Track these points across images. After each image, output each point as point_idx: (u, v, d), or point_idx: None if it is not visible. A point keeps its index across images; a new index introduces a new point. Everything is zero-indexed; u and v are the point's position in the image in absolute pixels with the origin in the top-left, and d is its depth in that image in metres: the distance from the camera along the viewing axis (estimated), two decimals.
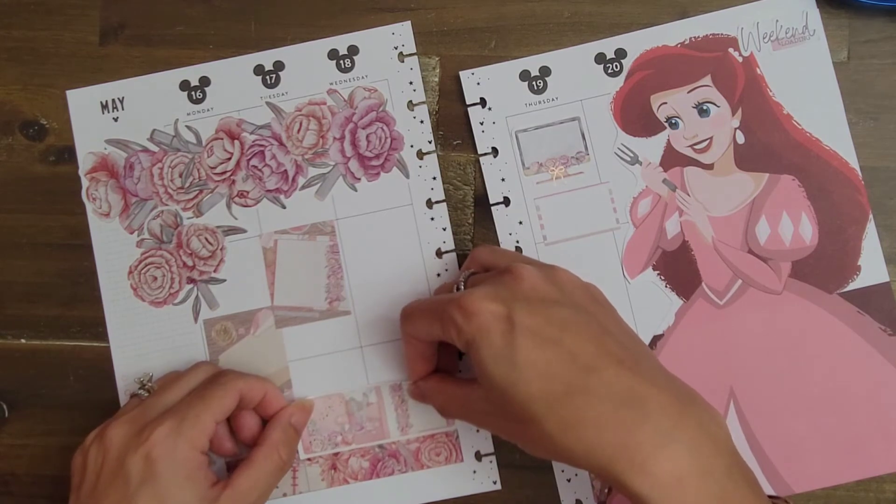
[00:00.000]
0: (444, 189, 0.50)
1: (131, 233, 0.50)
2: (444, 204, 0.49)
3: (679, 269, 0.49)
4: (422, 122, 0.50)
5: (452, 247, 0.49)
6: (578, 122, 0.49)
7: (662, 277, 0.49)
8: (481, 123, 0.50)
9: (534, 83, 0.50)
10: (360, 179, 0.50)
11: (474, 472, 0.49)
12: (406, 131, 0.50)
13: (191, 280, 0.50)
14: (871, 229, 0.48)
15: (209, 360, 0.49)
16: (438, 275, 0.49)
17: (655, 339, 0.48)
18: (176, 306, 0.50)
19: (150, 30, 0.51)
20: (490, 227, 0.49)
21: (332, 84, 0.50)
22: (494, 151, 0.49)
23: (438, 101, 0.50)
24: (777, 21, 0.49)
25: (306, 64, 0.50)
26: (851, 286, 0.48)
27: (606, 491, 0.48)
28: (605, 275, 0.49)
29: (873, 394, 0.47)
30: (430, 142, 0.50)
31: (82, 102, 0.51)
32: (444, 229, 0.49)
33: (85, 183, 0.50)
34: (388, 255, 0.49)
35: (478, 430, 0.49)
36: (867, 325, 0.48)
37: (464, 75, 0.50)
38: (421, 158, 0.50)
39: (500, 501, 0.49)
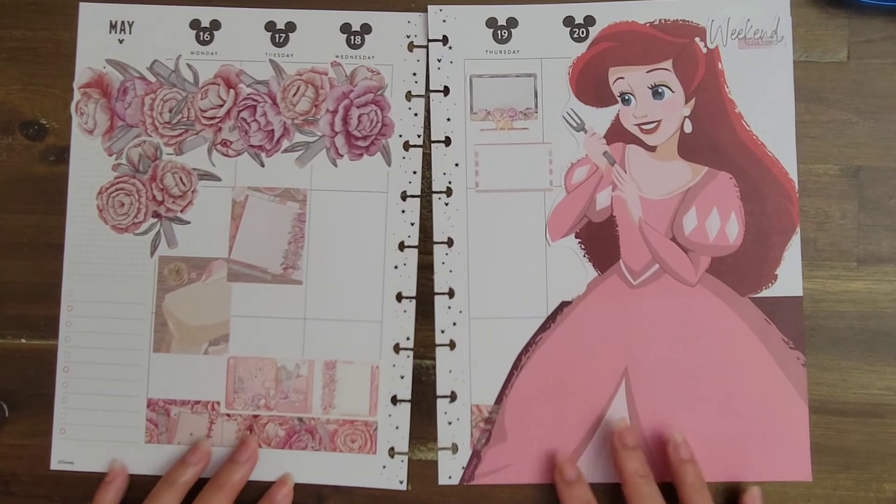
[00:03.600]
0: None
1: (110, 155, 0.50)
2: (418, 199, 0.49)
3: (600, 241, 0.49)
4: (416, 115, 0.50)
5: (416, 243, 0.49)
6: (534, 79, 0.49)
7: (583, 247, 0.49)
8: (439, 60, 0.50)
9: (499, 32, 0.50)
10: (342, 156, 0.50)
11: (384, 466, 0.48)
12: (398, 120, 0.50)
13: (156, 214, 0.50)
14: (795, 241, 0.48)
15: (154, 296, 0.49)
16: (396, 267, 0.49)
17: (563, 305, 0.48)
18: (136, 236, 0.50)
19: None
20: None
21: (337, 57, 0.50)
22: (446, 90, 0.50)
23: None
24: (748, 20, 0.49)
25: (317, 31, 0.50)
26: (764, 293, 0.48)
27: None
28: (528, 233, 0.49)
29: (763, 403, 0.48)
30: (419, 136, 0.50)
31: (93, 16, 0.51)
32: (413, 224, 0.49)
33: (77, 96, 0.50)
34: (352, 236, 0.49)
35: (397, 428, 0.48)
36: (771, 333, 0.48)
37: (432, 10, 0.50)
38: (406, 150, 0.50)
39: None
